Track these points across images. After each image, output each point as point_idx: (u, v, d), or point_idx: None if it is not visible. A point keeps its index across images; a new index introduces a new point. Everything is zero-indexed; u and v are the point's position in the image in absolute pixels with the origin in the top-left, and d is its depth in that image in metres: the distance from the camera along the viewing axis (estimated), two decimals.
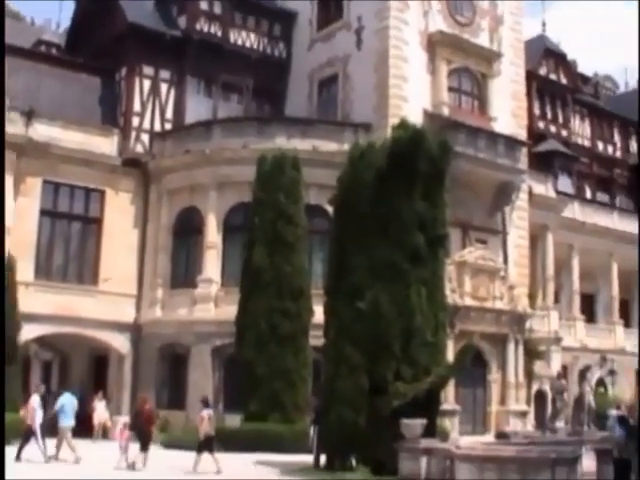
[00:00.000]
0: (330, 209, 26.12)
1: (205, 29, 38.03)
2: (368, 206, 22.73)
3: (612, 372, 42.69)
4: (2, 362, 24.24)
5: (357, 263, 22.57)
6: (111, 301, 33.85)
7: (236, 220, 33.26)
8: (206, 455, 21.55)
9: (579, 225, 44.50)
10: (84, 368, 36.71)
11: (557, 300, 43.09)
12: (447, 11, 38.00)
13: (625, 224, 47.57)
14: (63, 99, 35.20)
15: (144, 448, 22.15)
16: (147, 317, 34.33)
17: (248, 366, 28.50)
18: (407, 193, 22.63)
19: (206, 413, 22.02)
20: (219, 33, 38.34)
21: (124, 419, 27.89)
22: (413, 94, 35.28)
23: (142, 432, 22.42)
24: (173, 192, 35.05)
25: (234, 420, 28.78)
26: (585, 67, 61.58)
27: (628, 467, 18.08)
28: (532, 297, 39.08)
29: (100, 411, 31.06)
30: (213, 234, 33.51)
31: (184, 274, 34.52)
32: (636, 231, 47.53)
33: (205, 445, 21.74)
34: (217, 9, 38.60)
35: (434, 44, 36.75)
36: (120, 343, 34.27)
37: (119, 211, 34.86)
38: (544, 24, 50.80)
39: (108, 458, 22.89)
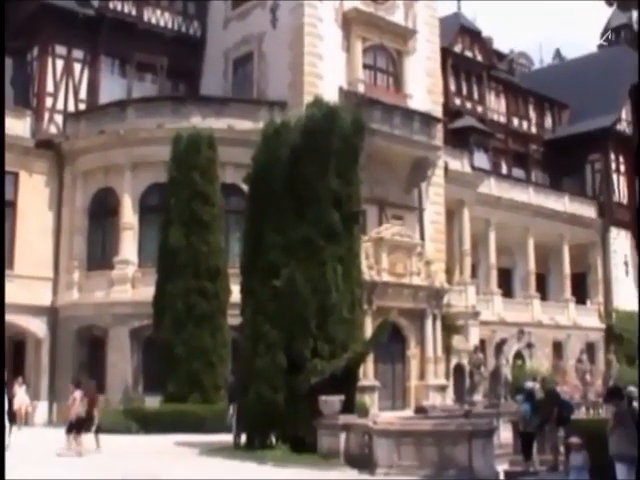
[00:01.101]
0: (246, 188, 26.05)
1: (119, 8, 37.58)
2: (282, 184, 22.70)
3: (529, 345, 43.42)
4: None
5: (272, 241, 22.55)
6: (27, 285, 33.35)
7: (152, 200, 32.98)
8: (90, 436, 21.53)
9: (495, 200, 44.96)
10: None
11: (474, 275, 43.48)
12: None
13: (541, 199, 48.30)
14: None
15: (94, 431, 22.07)
16: (64, 300, 33.95)
17: (166, 347, 28.42)
18: (321, 170, 22.63)
19: (78, 394, 21.92)
20: (133, 12, 37.94)
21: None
22: (328, 72, 35.26)
23: (88, 415, 22.27)
24: (88, 173, 34.64)
25: (154, 401, 28.71)
26: (500, 44, 62.20)
27: (532, 439, 18.64)
28: (449, 272, 39.46)
29: (21, 396, 30.54)
30: (129, 215, 33.19)
31: (100, 256, 34.20)
32: (551, 206, 48.34)
33: (76, 426, 21.63)
34: None
35: (349, 21, 36.72)
36: (37, 327, 33.89)
37: (33, 193, 34.34)
38: (459, 1, 51.24)
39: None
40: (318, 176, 22.56)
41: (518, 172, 51.98)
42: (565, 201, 49.86)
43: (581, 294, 50.48)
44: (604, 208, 51.44)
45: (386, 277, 33.39)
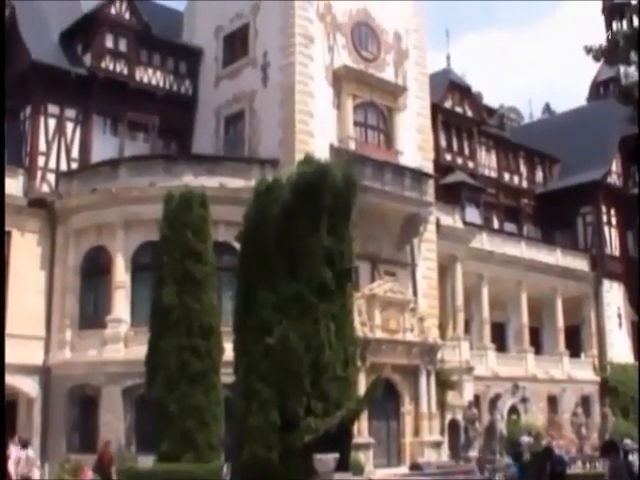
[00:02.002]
0: (238, 246, 26.06)
1: (110, 67, 37.71)
2: (274, 241, 22.73)
3: (524, 399, 43.25)
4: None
5: (265, 299, 22.51)
6: (19, 344, 32.99)
7: (144, 259, 32.98)
8: None
9: (487, 255, 45.04)
10: None
11: (468, 330, 43.43)
12: (352, 46, 38.40)
13: (533, 253, 48.47)
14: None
15: None
16: (56, 359, 33.77)
17: (159, 405, 28.20)
18: (313, 228, 22.67)
19: (23, 454, 21.82)
20: (125, 71, 38.08)
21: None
22: (319, 129, 35.52)
23: (104, 474, 22.21)
24: (80, 232, 34.64)
25: (147, 461, 28.43)
26: (490, 99, 62.73)
27: None
28: (443, 328, 39.41)
29: (17, 456, 30.19)
30: (121, 274, 33.17)
31: (93, 314, 34.08)
32: (543, 259, 48.41)
33: None
34: (122, 47, 38.32)
35: (340, 79, 37.07)
36: (29, 386, 33.60)
37: (26, 252, 34.26)
38: (448, 57, 51.65)
39: None
40: (310, 233, 22.59)
41: (510, 226, 52.16)
42: (557, 254, 49.99)
43: (575, 347, 50.42)
44: (596, 261, 51.57)
45: (379, 334, 33.35)
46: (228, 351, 26.53)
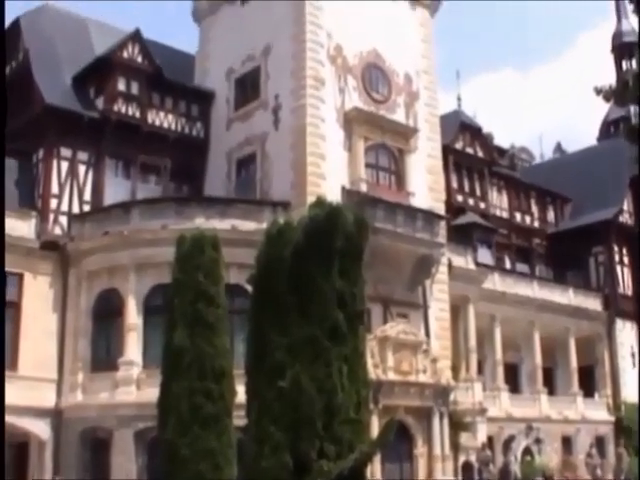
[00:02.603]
0: (250, 288, 26.04)
1: (123, 110, 37.99)
2: (286, 284, 22.67)
3: (538, 440, 43.06)
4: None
5: (277, 342, 22.41)
6: (31, 386, 33.17)
7: (156, 301, 32.92)
8: None
9: (500, 296, 44.97)
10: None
11: (481, 371, 43.30)
12: (363, 88, 38.60)
13: (545, 293, 48.36)
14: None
15: None
16: (68, 402, 33.71)
17: (171, 448, 28.00)
18: (325, 270, 22.61)
19: None
20: (137, 114, 38.35)
21: None
22: (331, 171, 35.65)
23: None
24: (92, 274, 34.69)
25: None
26: (501, 139, 62.88)
27: None
28: (455, 369, 39.26)
29: None
30: (133, 316, 33.19)
31: (105, 357, 34.03)
32: (556, 299, 48.31)
33: None
34: (135, 90, 38.63)
35: (351, 121, 37.23)
36: (40, 429, 33.55)
37: (38, 295, 34.34)
38: (459, 98, 51.86)
39: None
40: (322, 276, 22.53)
41: (522, 267, 52.12)
42: (570, 294, 49.88)
43: (589, 387, 50.23)
44: (609, 300, 51.45)
45: (392, 376, 33.25)
46: (240, 394, 26.40)
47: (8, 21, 39.67)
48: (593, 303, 51.11)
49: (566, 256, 52.94)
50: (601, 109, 72.95)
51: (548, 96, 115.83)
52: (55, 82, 38.04)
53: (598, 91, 18.82)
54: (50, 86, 37.39)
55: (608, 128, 71.81)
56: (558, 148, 74.93)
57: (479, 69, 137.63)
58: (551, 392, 48.05)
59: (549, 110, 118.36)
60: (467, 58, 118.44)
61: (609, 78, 65.30)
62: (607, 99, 19.40)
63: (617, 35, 72.57)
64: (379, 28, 39.85)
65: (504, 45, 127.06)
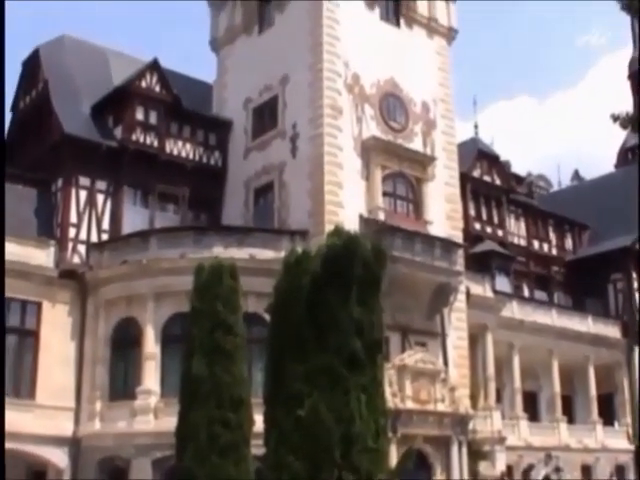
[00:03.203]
0: (268, 317, 26.06)
1: (141, 139, 38.16)
2: (304, 313, 22.68)
3: (558, 469, 42.71)
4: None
5: (294, 370, 22.41)
6: (49, 415, 33.22)
7: (174, 330, 32.97)
8: None
9: (518, 324, 44.82)
10: None
11: (499, 399, 43.10)
12: (380, 117, 38.68)
13: (564, 321, 48.12)
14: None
15: None
16: (86, 430, 33.69)
17: (189, 478, 27.96)
18: (343, 299, 22.63)
19: None
20: (155, 143, 38.52)
21: None
22: (349, 200, 35.69)
23: None
24: (110, 303, 34.76)
25: None
26: (519, 166, 62.99)
27: None
28: (474, 398, 39.06)
29: None
30: (151, 345, 33.23)
31: (123, 386, 34.05)
32: (575, 327, 48.09)
33: None
34: (153, 119, 38.82)
35: (368, 150, 37.29)
36: (58, 457, 33.49)
37: (56, 323, 34.42)
38: (476, 126, 51.95)
39: None
40: (340, 304, 22.55)
41: (540, 294, 51.96)
42: (589, 322, 49.64)
43: (609, 415, 49.86)
44: (628, 327, 51.18)
45: (410, 404, 33.17)
46: (258, 423, 26.32)
47: (28, 51, 40.31)
48: (612, 330, 50.83)
49: (584, 283, 52.73)
50: (619, 136, 72.95)
51: (565, 123, 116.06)
52: (74, 112, 38.29)
53: (615, 118, 18.81)
54: (69, 115, 37.64)
55: (626, 155, 71.78)
56: (576, 175, 74.92)
57: (496, 97, 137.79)
58: (570, 420, 47.78)
59: (566, 137, 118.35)
60: (484, 86, 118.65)
61: (626, 105, 65.24)
62: (624, 126, 19.37)
63: (634, 62, 72.60)
64: (396, 57, 40.01)
65: (520, 73, 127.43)
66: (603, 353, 49.65)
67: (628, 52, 75.43)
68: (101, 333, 34.58)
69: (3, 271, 28.09)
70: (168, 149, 38.98)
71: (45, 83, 38.75)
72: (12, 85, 41.56)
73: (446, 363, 36.95)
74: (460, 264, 38.52)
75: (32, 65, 40.09)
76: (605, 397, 50.06)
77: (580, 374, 49.43)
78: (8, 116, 41.32)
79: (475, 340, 41.20)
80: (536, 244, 53.20)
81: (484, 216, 48.86)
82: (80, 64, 40.66)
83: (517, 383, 44.15)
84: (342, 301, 22.60)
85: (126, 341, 34.53)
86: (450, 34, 43.55)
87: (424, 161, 39.27)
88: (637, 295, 52.34)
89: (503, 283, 46.55)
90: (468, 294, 39.83)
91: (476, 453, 36.44)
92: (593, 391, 48.55)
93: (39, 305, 34.36)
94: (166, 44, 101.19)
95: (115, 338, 34.67)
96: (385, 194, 37.50)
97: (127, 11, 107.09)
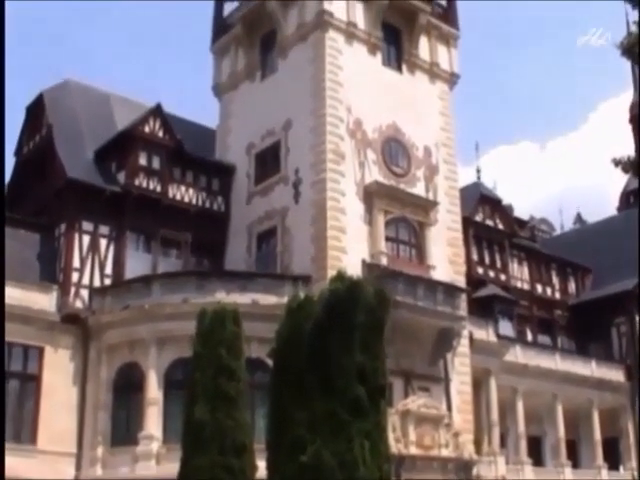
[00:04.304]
0: (271, 362, 26.00)
1: (144, 184, 38.23)
2: (307, 358, 22.62)
3: None
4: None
5: (298, 417, 22.32)
6: (50, 460, 33.00)
7: (177, 375, 32.89)
8: None
9: (522, 368, 44.67)
10: None
11: (503, 444, 42.87)
12: (383, 162, 38.78)
13: (568, 365, 47.93)
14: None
15: None
16: (87, 476, 33.46)
17: None
18: (346, 344, 22.58)
19: None
20: (158, 188, 38.58)
21: None
22: (351, 245, 35.72)
23: None
24: (113, 348, 34.73)
25: None
26: (521, 210, 63.01)
27: None
28: (478, 443, 38.88)
29: None
30: (154, 390, 33.10)
31: (125, 431, 33.91)
32: (579, 371, 47.91)
33: None
34: (156, 164, 38.90)
35: (371, 195, 37.38)
36: None
37: (58, 368, 34.33)
38: (479, 171, 52.06)
39: None
40: (343, 350, 22.50)
41: (544, 338, 51.83)
42: (592, 366, 49.45)
43: (614, 459, 49.56)
44: (631, 371, 50.98)
45: (414, 450, 33.01)
46: (261, 469, 26.17)
47: (32, 96, 40.49)
48: (616, 374, 50.62)
49: (588, 327, 52.60)
50: (621, 179, 73.10)
51: (567, 167, 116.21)
52: (77, 156, 38.45)
53: (617, 163, 18.92)
54: (72, 160, 37.78)
55: (628, 198, 71.88)
56: (578, 219, 74.98)
57: (497, 141, 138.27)
58: (575, 465, 47.40)
59: (568, 180, 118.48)
60: (485, 130, 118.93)
61: (628, 149, 65.41)
62: (626, 171, 19.48)
63: (635, 106, 72.82)
64: (398, 102, 40.22)
65: (521, 118, 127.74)
66: (607, 397, 49.43)
67: (629, 96, 75.74)
68: (103, 378, 34.49)
69: (3, 314, 28.05)
70: (171, 194, 39.04)
71: (49, 128, 38.93)
72: (16, 130, 41.83)
73: (450, 408, 36.80)
74: (463, 309, 38.44)
75: (36, 110, 40.29)
76: (610, 441, 49.77)
77: (584, 418, 49.20)
78: (12, 160, 41.61)
79: (479, 385, 41.05)
80: (539, 288, 53.13)
81: (487, 260, 48.83)
82: (84, 109, 40.89)
83: (521, 428, 43.91)
84: (345, 347, 22.55)
85: (128, 386, 34.44)
86: (452, 79, 43.80)
87: (427, 206, 39.34)
88: None
89: (506, 327, 46.47)
90: (471, 339, 39.72)
91: None
92: (598, 435, 48.26)
93: (41, 350, 34.32)
94: (169, 88, 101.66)
95: (117, 383, 34.58)
96: (388, 239, 37.53)
97: (131, 56, 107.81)
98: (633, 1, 18.73)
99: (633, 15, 19.10)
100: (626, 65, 71.08)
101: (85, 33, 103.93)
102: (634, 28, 19.08)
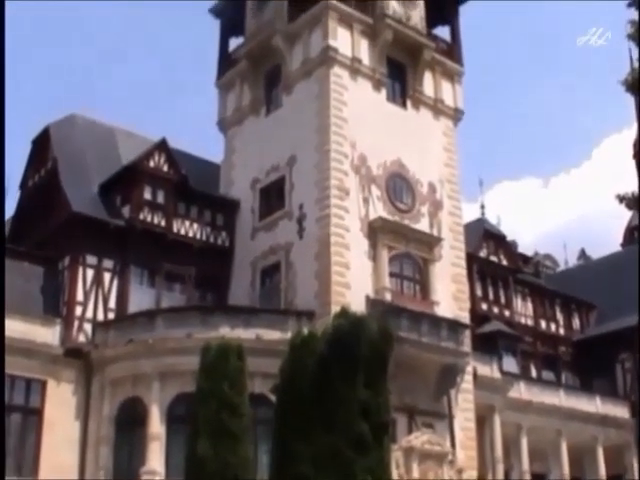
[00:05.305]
0: (274, 398, 25.95)
1: (148, 219, 38.29)
2: (310, 394, 22.62)
3: None
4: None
5: (301, 453, 22.27)
6: None
7: (180, 410, 32.71)
8: None
9: (526, 404, 44.51)
10: None
11: None
12: (387, 198, 38.85)
13: (572, 401, 47.71)
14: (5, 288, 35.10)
15: None
16: None
17: None
18: (349, 380, 22.58)
19: None
20: (162, 223, 38.64)
21: None
22: (355, 281, 35.72)
23: None
24: (116, 382, 34.62)
25: None
26: (525, 245, 63.02)
27: None
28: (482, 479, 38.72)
29: None
30: (156, 425, 32.97)
31: (127, 466, 33.67)
32: (583, 408, 47.71)
33: None
34: (160, 199, 38.97)
35: (375, 231, 37.41)
36: None
37: (60, 402, 34.20)
38: (483, 207, 52.12)
39: None
40: (346, 386, 22.49)
41: (548, 375, 51.66)
42: (597, 402, 49.23)
43: None
44: (636, 408, 50.77)
45: None
46: None
47: (38, 130, 40.60)
48: (620, 411, 50.40)
49: (592, 363, 52.44)
50: (625, 214, 73.01)
51: (571, 203, 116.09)
52: (82, 190, 38.50)
53: (621, 199, 18.94)
54: (77, 194, 37.84)
55: (632, 233, 71.80)
56: (582, 254, 74.86)
57: (501, 177, 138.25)
58: None
59: (572, 216, 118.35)
60: (490, 166, 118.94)
61: (632, 185, 65.35)
62: (630, 207, 19.49)
63: (638, 141, 72.87)
64: (403, 137, 40.33)
65: (525, 154, 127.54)
66: (612, 434, 49.19)
67: (632, 132, 75.84)
68: (106, 412, 34.38)
69: (3, 347, 27.94)
70: (175, 229, 39.09)
71: (54, 161, 39.03)
72: (22, 163, 41.91)
73: (453, 445, 36.65)
74: (467, 345, 38.38)
75: (42, 143, 40.40)
76: (615, 478, 49.46)
77: (589, 455, 48.92)
78: (17, 193, 41.68)
79: (482, 421, 40.88)
80: (543, 324, 53.02)
81: (491, 296, 48.75)
82: (89, 143, 41.00)
83: (525, 465, 43.68)
84: (348, 382, 22.54)
85: (131, 421, 34.33)
86: (456, 115, 43.91)
87: (431, 242, 39.36)
88: None
89: (510, 363, 46.35)
90: (475, 375, 39.64)
91: None
92: (602, 472, 47.96)
93: (44, 383, 34.22)
94: (174, 123, 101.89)
95: (120, 418, 34.46)
96: (392, 275, 37.50)
97: (136, 91, 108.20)
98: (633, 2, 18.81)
99: (636, 52, 19.16)
100: (629, 100, 71.41)
101: (93, 68, 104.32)
102: (637, 65, 19.17)
